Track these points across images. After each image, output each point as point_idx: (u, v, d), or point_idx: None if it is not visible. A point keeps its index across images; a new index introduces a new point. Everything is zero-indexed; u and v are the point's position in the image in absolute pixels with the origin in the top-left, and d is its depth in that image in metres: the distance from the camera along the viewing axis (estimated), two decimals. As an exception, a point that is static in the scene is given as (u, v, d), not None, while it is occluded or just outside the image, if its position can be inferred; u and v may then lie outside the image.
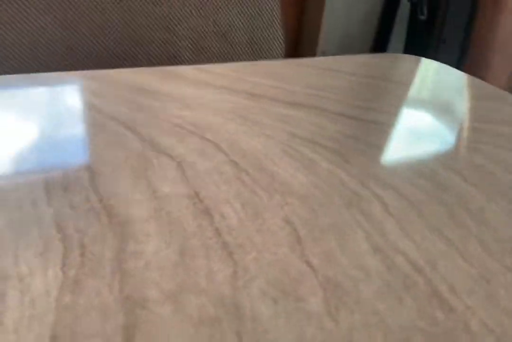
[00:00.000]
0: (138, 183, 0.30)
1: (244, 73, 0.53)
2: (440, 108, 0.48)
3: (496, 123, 0.44)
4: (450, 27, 1.03)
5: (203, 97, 0.44)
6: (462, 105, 0.50)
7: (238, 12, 1.03)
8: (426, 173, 0.34)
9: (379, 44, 1.28)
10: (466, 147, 0.39)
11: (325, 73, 0.55)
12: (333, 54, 1.23)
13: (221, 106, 0.43)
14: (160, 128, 0.38)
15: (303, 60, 0.61)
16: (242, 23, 1.04)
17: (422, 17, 1.16)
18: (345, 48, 1.24)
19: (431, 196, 0.31)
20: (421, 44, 1.15)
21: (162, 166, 0.32)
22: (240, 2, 1.03)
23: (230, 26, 1.03)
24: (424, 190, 0.32)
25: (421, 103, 0.48)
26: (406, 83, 0.55)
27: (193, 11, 0.98)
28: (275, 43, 1.09)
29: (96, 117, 0.39)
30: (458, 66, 1.06)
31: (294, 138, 0.37)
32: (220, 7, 1.01)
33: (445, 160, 0.36)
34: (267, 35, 1.08)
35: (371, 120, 0.42)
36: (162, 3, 0.95)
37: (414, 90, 0.53)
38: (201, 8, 0.99)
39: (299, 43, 1.16)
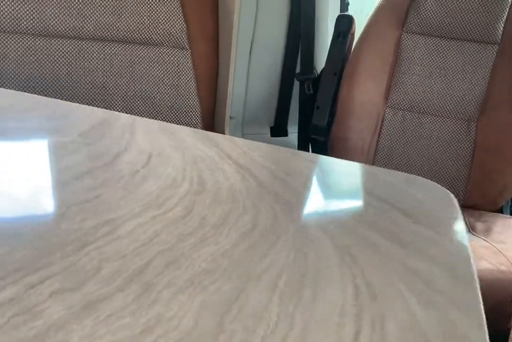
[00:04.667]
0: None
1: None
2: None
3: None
4: (322, 97, 1.36)
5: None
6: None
7: (161, 82, 1.31)
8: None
9: (281, 112, 1.60)
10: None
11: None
12: (241, 118, 1.54)
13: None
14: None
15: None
16: (165, 92, 1.32)
17: (309, 92, 1.49)
18: (251, 114, 1.55)
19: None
20: (309, 110, 1.47)
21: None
22: (162, 75, 1.31)
23: (155, 93, 1.30)
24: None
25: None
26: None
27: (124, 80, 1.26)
28: (193, 110, 1.37)
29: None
30: (328, 125, 1.38)
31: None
32: (146, 77, 1.29)
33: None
34: (186, 103, 1.36)
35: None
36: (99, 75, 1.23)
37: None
38: (130, 77, 1.27)
39: (212, 110, 1.46)
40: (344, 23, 1.42)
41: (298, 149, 1.62)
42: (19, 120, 0.61)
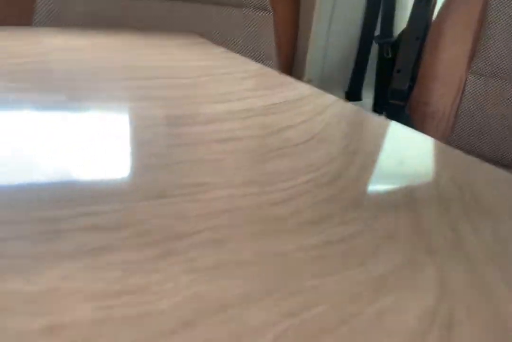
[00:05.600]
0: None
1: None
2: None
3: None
4: (403, 61, 1.35)
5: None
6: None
7: (243, 43, 1.33)
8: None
9: (356, 76, 1.60)
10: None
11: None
12: (318, 82, 1.54)
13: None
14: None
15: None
16: (246, 53, 1.34)
17: (387, 56, 1.48)
18: (327, 78, 1.55)
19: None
20: (387, 74, 1.47)
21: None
22: (245, 36, 1.33)
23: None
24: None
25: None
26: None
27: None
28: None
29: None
30: (409, 89, 1.37)
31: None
32: (229, 37, 1.31)
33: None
34: (265, 64, 1.38)
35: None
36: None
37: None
38: (215, 38, 1.30)
39: (289, 73, 1.47)
40: (428, -15, 1.39)
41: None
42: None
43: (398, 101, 1.39)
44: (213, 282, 0.27)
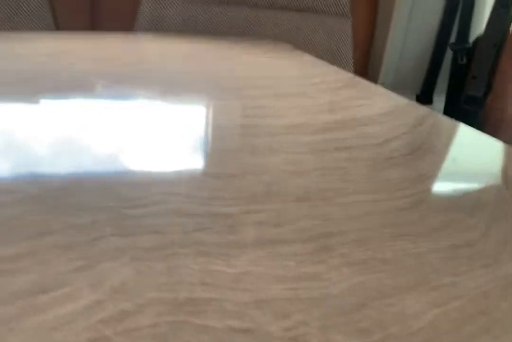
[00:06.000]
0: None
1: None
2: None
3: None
4: (479, 67, 1.37)
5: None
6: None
7: (320, 48, 1.38)
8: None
9: (429, 81, 1.62)
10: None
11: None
12: (391, 85, 1.58)
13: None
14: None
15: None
16: (323, 56, 1.39)
17: (461, 62, 1.50)
18: (400, 81, 1.58)
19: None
20: (461, 80, 1.48)
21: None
22: (323, 41, 1.38)
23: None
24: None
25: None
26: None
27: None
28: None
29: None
30: (484, 96, 1.39)
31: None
32: (308, 42, 1.36)
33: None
34: (341, 66, 1.42)
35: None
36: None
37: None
38: (294, 42, 1.35)
39: (364, 75, 1.51)
40: (507, -7, 1.40)
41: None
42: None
43: (472, 107, 1.41)
44: (368, 274, 0.33)
